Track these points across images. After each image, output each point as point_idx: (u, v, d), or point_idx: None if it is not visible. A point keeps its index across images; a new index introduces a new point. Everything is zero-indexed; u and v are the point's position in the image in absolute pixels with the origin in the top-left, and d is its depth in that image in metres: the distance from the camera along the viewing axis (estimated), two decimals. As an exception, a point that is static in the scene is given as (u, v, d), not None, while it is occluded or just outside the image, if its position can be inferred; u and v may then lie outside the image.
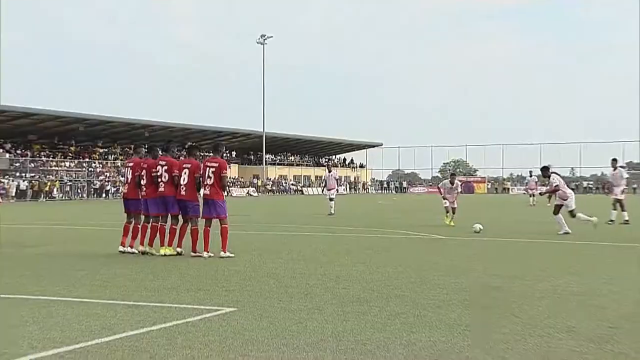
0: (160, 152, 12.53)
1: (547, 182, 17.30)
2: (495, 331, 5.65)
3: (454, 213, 19.35)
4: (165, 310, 6.46)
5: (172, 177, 11.55)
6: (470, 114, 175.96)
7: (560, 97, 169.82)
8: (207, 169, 11.41)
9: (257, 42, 76.07)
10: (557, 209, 16.43)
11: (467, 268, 9.76)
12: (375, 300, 7.05)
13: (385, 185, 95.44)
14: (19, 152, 58.22)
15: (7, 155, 56.04)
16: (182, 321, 5.98)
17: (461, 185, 21.16)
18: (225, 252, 11.03)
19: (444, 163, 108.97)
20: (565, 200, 16.39)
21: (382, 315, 6.29)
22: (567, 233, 15.67)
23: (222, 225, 11.27)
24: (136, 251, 11.62)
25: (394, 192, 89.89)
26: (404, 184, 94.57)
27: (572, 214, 16.31)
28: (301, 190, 79.50)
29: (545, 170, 17.04)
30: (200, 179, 11.52)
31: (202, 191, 11.50)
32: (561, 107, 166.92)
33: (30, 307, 6.71)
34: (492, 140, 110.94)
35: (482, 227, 16.55)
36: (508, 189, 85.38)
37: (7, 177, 51.82)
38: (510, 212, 30.01)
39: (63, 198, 53.10)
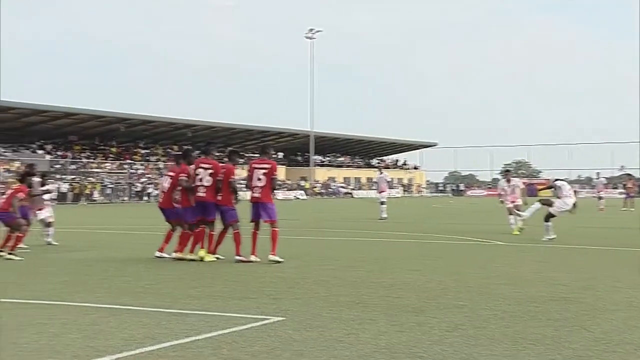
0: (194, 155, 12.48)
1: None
2: (564, 346, 5.52)
3: (519, 216, 18.49)
4: (210, 319, 6.52)
5: (215, 181, 11.64)
6: (533, 112, 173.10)
7: (634, 92, 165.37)
8: (257, 170, 11.44)
9: (306, 37, 76.48)
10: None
11: (530, 277, 9.58)
12: (432, 311, 6.98)
13: (440, 188, 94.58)
14: (59, 153, 59.81)
15: (48, 156, 57.59)
16: (228, 331, 6.02)
17: (523, 184, 20.33)
18: (275, 255, 11.06)
19: (504, 164, 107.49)
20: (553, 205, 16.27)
21: (440, 326, 6.22)
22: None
23: (273, 229, 11.33)
24: (175, 257, 11.70)
25: (450, 195, 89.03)
26: (461, 187, 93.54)
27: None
28: (351, 193, 79.43)
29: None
30: (235, 183, 11.64)
31: (249, 194, 11.54)
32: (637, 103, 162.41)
33: (73, 314, 6.85)
34: (557, 140, 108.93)
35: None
36: (575, 191, 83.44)
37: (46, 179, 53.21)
38: (576, 216, 29.31)
39: (104, 201, 54.27)
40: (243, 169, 12.35)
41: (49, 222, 14.91)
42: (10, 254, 11.99)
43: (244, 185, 14.17)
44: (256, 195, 11.41)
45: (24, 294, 8.05)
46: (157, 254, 11.95)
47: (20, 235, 12.47)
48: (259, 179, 11.38)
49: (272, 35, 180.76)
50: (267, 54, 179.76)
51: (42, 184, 14.78)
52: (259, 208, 11.40)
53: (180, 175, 11.93)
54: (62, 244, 14.71)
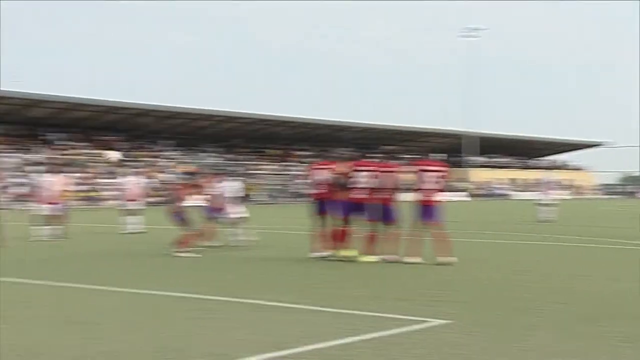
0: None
1: None
2: None
3: None
4: (372, 320, 6.55)
5: (376, 183, 11.67)
6: None
7: None
8: (428, 173, 11.43)
9: (466, 36, 75.33)
10: None
11: None
12: (605, 320, 6.61)
13: (610, 190, 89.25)
14: (226, 155, 63.09)
15: (217, 159, 60.86)
16: (389, 332, 6.01)
17: None
18: (445, 257, 10.93)
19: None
20: None
21: (614, 337, 5.85)
22: None
23: (440, 231, 11.27)
24: (330, 255, 11.77)
25: (621, 197, 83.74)
26: (634, 189, 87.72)
27: None
28: (510, 195, 76.93)
29: None
30: (396, 184, 11.65)
31: (413, 195, 11.49)
32: None
33: (242, 310, 7.16)
34: None
35: None
36: None
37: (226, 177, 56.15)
38: None
39: (264, 201, 56.25)
40: (404, 170, 12.33)
41: (235, 222, 14.87)
42: (184, 251, 12.63)
43: (406, 187, 14.16)
44: (425, 197, 11.35)
45: (196, 289, 8.48)
46: (313, 254, 12.12)
47: (194, 234, 13.14)
48: (432, 182, 11.35)
49: (434, 33, 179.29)
50: (426, 54, 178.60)
51: (219, 182, 14.97)
52: (426, 210, 11.34)
53: (331, 169, 12.16)
54: (226, 242, 15.08)
